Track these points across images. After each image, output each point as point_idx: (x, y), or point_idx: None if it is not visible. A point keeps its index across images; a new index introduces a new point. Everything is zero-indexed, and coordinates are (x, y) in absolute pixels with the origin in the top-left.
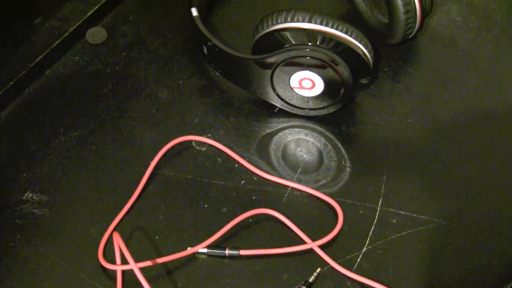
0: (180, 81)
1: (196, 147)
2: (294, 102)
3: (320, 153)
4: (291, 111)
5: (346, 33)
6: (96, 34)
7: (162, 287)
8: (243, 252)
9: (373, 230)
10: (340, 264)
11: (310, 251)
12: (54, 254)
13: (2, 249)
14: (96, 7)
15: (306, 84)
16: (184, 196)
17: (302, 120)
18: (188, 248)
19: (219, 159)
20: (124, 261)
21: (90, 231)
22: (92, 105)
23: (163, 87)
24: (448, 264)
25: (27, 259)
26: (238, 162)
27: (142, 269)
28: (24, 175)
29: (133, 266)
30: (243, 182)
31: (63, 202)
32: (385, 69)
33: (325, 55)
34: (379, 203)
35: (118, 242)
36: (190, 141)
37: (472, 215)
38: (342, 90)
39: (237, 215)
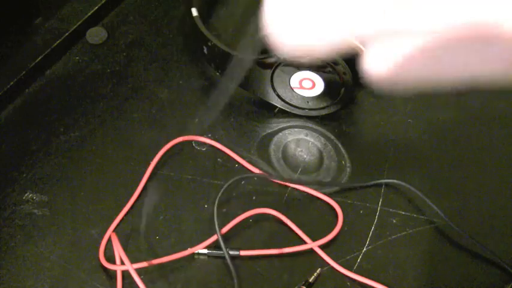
0: (180, 81)
1: (196, 147)
2: (294, 102)
3: (320, 153)
4: (291, 112)
5: None
6: (96, 34)
7: (162, 287)
8: (243, 252)
9: (373, 230)
10: (340, 264)
11: (310, 251)
12: (54, 254)
13: (2, 249)
14: (96, 7)
15: (306, 84)
16: (184, 196)
17: (302, 120)
18: (188, 248)
19: (219, 159)
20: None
21: (90, 231)
22: (92, 105)
23: (163, 87)
24: (448, 264)
25: (27, 259)
26: (238, 162)
27: (142, 269)
28: (24, 175)
29: (129, 267)
30: (243, 182)
31: (63, 202)
32: None
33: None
34: (379, 203)
35: (114, 243)
36: (190, 141)
37: (472, 215)
38: (342, 90)
39: (237, 215)
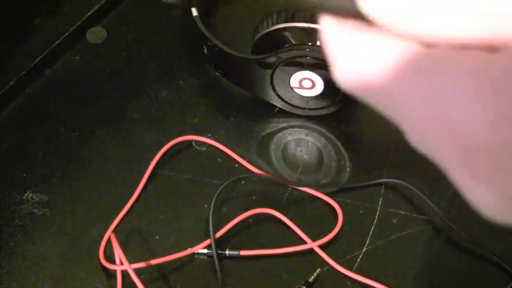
0: (180, 81)
1: (196, 147)
2: (294, 102)
3: (320, 153)
4: (291, 111)
5: None
6: (96, 34)
7: (161, 287)
8: (243, 252)
9: (373, 230)
10: (340, 264)
11: (310, 251)
12: (54, 254)
13: (2, 249)
14: (96, 7)
15: (306, 84)
16: (184, 196)
17: (302, 120)
18: (188, 248)
19: (219, 159)
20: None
21: (90, 231)
22: (92, 105)
23: (163, 87)
24: (447, 264)
25: (27, 259)
26: (238, 162)
27: (142, 269)
28: (24, 175)
29: (128, 267)
30: (243, 182)
31: (63, 202)
32: None
33: (325, 55)
34: (379, 203)
35: (114, 244)
36: (190, 141)
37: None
38: (342, 90)
39: (237, 215)
